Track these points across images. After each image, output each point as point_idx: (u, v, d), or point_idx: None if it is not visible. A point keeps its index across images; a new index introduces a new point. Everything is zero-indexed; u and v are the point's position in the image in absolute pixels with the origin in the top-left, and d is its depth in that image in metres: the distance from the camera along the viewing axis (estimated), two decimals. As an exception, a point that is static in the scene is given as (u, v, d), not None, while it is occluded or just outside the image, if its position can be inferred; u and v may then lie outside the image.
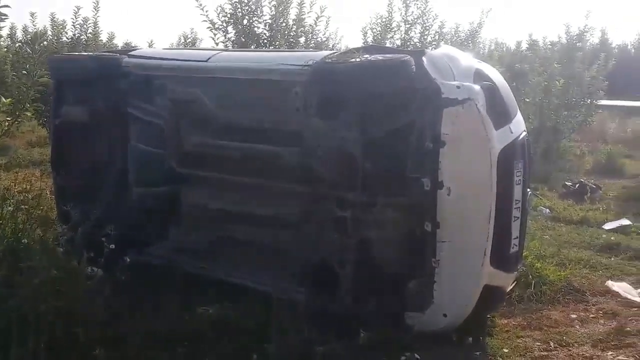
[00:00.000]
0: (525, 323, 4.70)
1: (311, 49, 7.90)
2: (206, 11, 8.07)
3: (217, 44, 8.24)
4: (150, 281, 4.65)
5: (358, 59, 4.11)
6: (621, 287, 5.42)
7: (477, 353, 4.19)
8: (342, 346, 3.90)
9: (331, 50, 7.32)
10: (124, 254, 4.45)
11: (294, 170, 4.33)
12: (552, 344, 4.35)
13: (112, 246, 4.24)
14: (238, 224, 4.74)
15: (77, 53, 8.52)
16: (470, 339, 4.30)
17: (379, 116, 4.06)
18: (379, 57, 4.13)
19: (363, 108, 4.06)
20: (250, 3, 8.19)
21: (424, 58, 4.04)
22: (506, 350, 4.22)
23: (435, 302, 4.04)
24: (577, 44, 13.41)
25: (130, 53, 5.43)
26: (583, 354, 4.17)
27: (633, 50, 30.68)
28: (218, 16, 8.16)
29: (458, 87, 3.90)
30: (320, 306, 4.15)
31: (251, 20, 8.23)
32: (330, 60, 4.20)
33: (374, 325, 4.06)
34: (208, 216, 4.87)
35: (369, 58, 4.11)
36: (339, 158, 4.13)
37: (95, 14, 10.71)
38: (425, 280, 4.05)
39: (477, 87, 3.94)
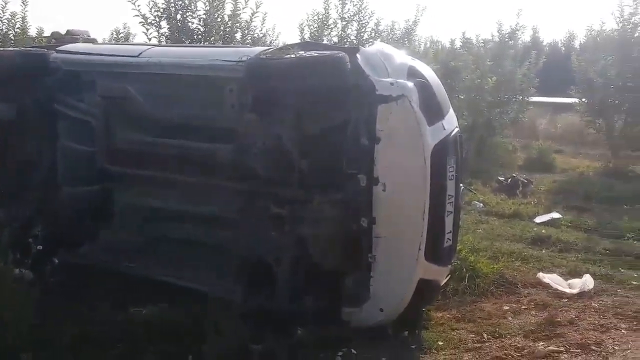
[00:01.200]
0: (459, 315, 4.79)
1: (247, 45, 7.83)
2: (138, 6, 7.90)
3: (149, 39, 8.06)
4: (82, 282, 4.53)
5: (293, 56, 4.09)
6: (552, 279, 5.57)
7: (413, 346, 4.25)
8: (279, 344, 3.89)
9: (268, 46, 7.28)
10: (53, 255, 4.32)
11: (229, 167, 4.29)
12: (485, 335, 4.44)
13: (40, 247, 4.12)
14: (172, 223, 4.66)
15: (3, 49, 8.20)
16: (406, 332, 4.36)
17: (314, 113, 4.06)
18: (314, 53, 4.12)
19: (298, 105, 4.04)
20: (184, -2, 8.06)
21: (358, 55, 4.06)
22: (441, 343, 4.29)
23: (372, 297, 4.07)
24: (509, 42, 13.72)
25: (58, 48, 5.26)
26: (515, 345, 4.27)
27: (563, 49, 31.58)
28: (151, 11, 7.98)
29: (392, 84, 3.94)
30: (257, 304, 4.12)
31: (185, 15, 8.09)
32: (264, 57, 4.17)
33: (311, 321, 4.06)
34: (141, 215, 4.77)
35: (304, 54, 4.10)
36: (275, 155, 4.11)
37: (24, 8, 10.34)
38: (362, 276, 4.08)
39: (410, 84, 3.98)
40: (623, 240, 7.17)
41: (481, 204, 8.86)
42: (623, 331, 4.53)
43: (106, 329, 4.03)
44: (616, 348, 4.22)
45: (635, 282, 5.63)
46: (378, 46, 4.38)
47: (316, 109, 4.04)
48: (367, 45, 4.53)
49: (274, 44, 9.06)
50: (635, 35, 12.58)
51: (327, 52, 4.13)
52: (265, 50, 4.37)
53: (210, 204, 4.46)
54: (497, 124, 12.65)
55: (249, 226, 4.24)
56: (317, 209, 4.09)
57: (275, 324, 4.02)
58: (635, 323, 4.68)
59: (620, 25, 12.65)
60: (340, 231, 4.10)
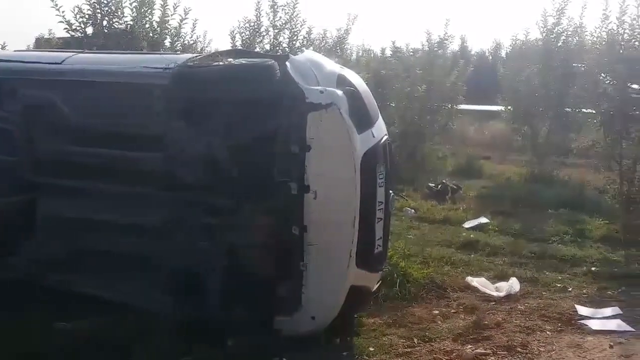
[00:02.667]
0: (390, 321, 4.83)
1: (177, 52, 7.71)
2: (62, 12, 7.67)
3: (74, 46, 7.84)
4: (5, 297, 4.35)
5: (221, 63, 4.06)
6: (480, 282, 5.70)
7: (345, 353, 4.26)
8: (209, 355, 3.83)
9: (199, 53, 7.18)
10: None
11: (158, 176, 4.21)
12: (415, 340, 4.49)
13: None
14: (99, 234, 4.52)
15: None
16: (338, 339, 4.36)
17: (244, 121, 4.03)
18: (242, 61, 4.10)
19: (227, 112, 4.01)
20: (110, 4, 7.87)
21: (288, 63, 4.06)
22: (372, 349, 4.31)
23: (303, 305, 4.06)
24: (438, 51, 14.00)
25: (-22, 55, 5.06)
26: (444, 349, 4.34)
27: (490, 58, 32.47)
28: (75, 17, 7.77)
29: (321, 92, 3.95)
30: (187, 315, 4.05)
31: (111, 22, 7.91)
32: (192, 64, 4.12)
33: (242, 331, 4.02)
34: (67, 226, 4.60)
35: (232, 62, 4.07)
36: (204, 163, 4.06)
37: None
38: (294, 284, 4.06)
39: (340, 92, 4.00)
40: (548, 244, 7.40)
41: (412, 210, 8.98)
42: (548, 332, 4.67)
43: (32, 346, 3.87)
44: (541, 349, 4.36)
45: (559, 285, 5.83)
46: (307, 54, 4.40)
47: (245, 116, 4.02)
48: (297, 53, 4.53)
49: (206, 50, 8.97)
50: (559, 45, 13.01)
51: (256, 60, 4.12)
52: (193, 57, 4.31)
53: (138, 214, 4.35)
54: (427, 132, 12.88)
55: (179, 236, 4.17)
56: (248, 217, 4.06)
57: (205, 335, 3.96)
58: (559, 324, 4.84)
59: (544, 34, 13.06)
60: (271, 240, 4.07)
